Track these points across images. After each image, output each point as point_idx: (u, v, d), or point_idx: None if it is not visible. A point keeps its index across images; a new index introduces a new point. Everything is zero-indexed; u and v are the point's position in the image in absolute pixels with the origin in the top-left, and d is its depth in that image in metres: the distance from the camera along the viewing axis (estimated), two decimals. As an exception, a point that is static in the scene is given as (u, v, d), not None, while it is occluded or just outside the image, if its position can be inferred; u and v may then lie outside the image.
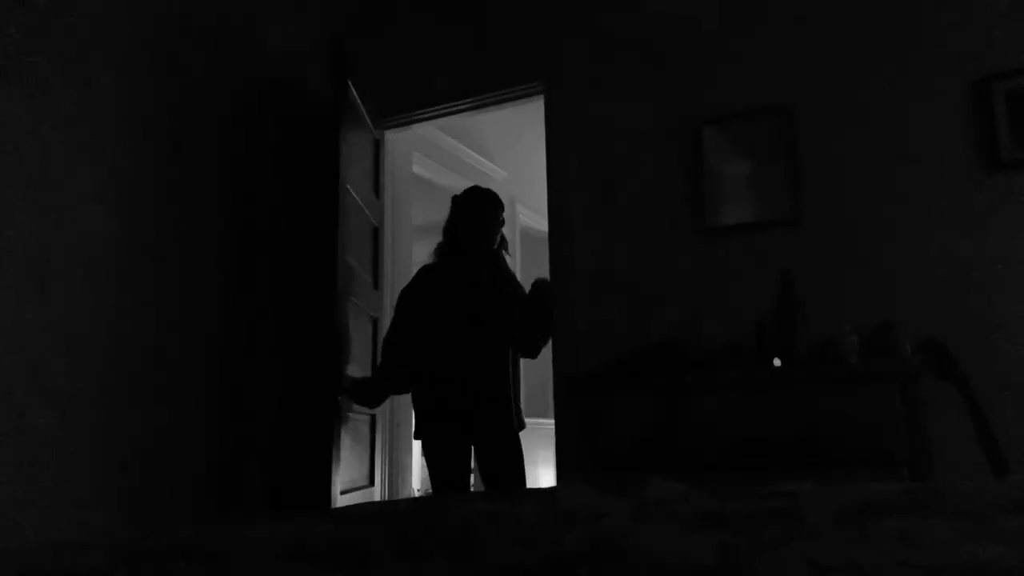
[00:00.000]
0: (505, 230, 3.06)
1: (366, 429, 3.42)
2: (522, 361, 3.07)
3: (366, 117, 3.56)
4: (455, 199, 3.05)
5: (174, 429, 2.77)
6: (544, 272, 3.27)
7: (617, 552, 0.74)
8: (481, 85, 3.64)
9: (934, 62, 2.76)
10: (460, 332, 2.87)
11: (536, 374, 4.29)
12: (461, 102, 3.71)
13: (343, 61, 3.22)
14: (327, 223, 3.09)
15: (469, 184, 4.42)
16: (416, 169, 4.36)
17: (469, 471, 2.91)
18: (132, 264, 2.69)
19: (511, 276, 3.07)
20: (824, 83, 2.92)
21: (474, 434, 2.85)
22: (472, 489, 3.62)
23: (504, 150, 5.20)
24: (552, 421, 3.23)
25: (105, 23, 2.66)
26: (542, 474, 5.19)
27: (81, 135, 2.54)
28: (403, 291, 3.07)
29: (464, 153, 4.84)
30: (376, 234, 3.71)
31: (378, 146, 3.81)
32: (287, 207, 3.45)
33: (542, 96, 3.49)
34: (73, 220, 2.49)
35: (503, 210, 3.02)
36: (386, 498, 3.61)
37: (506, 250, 3.05)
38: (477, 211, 2.95)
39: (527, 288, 3.08)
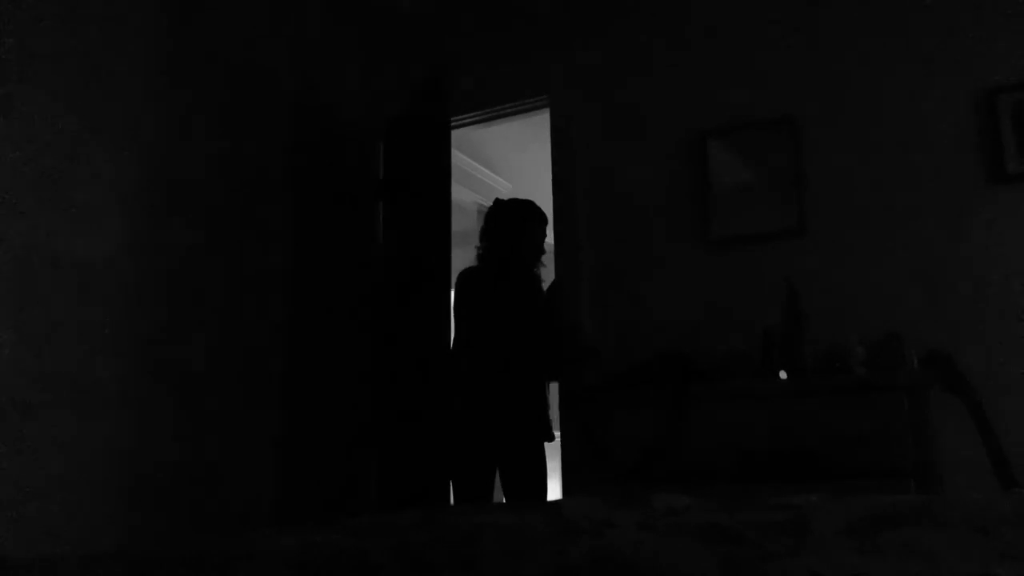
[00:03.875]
0: None
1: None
2: None
3: None
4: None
5: (213, 440, 2.80)
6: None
7: (622, 563, 0.74)
8: (488, 99, 3.65)
9: (939, 75, 2.76)
10: (482, 342, 2.87)
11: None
12: (469, 115, 3.73)
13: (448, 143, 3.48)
14: (439, 255, 3.36)
15: (475, 196, 4.39)
16: (422, 181, 4.37)
17: (491, 483, 2.87)
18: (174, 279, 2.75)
19: (537, 290, 3.01)
20: (829, 94, 2.92)
21: (497, 447, 2.84)
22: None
23: (509, 163, 5.21)
24: (557, 432, 3.21)
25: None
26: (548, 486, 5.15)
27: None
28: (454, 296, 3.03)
29: (469, 165, 4.86)
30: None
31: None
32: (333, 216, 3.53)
33: (547, 109, 3.51)
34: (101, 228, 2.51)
35: (532, 223, 2.97)
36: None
37: (539, 263, 3.00)
38: (501, 221, 2.96)
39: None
